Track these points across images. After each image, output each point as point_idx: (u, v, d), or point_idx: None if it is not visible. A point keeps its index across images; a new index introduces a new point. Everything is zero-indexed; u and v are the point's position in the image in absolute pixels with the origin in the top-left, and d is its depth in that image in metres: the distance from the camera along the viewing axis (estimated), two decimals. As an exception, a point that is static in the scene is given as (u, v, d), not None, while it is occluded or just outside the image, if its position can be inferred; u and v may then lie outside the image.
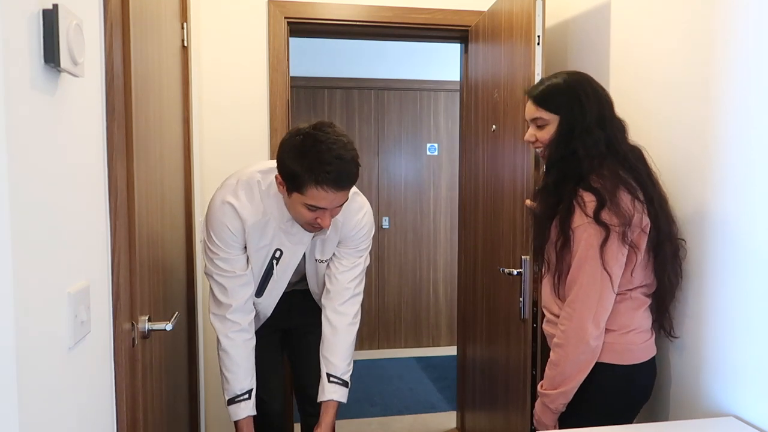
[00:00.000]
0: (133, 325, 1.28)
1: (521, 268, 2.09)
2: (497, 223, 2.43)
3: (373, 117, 4.47)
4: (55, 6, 0.85)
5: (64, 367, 0.94)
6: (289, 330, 2.05)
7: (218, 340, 1.76)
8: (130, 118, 1.24)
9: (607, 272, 1.41)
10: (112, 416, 1.18)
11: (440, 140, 4.59)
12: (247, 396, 1.72)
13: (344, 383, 1.78)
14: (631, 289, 1.51)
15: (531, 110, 1.58)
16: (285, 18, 2.58)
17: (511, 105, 2.25)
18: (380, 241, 4.53)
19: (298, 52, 3.48)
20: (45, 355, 0.87)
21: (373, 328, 4.55)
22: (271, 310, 1.86)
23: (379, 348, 4.57)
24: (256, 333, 1.85)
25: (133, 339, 1.28)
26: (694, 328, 1.54)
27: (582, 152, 1.47)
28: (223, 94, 2.56)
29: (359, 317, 1.85)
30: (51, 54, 0.85)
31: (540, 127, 1.57)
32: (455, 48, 2.99)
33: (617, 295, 1.47)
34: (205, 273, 1.78)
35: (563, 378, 1.47)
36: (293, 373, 2.12)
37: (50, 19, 0.85)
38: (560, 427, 1.54)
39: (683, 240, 1.59)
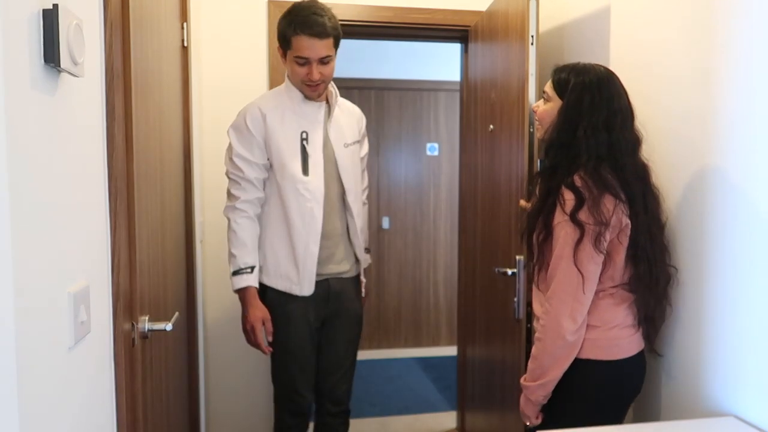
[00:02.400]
0: (133, 325, 1.28)
1: (516, 268, 2.09)
2: (494, 223, 2.43)
3: (373, 117, 4.47)
4: (55, 6, 0.85)
5: (64, 367, 0.94)
6: (322, 322, 2.08)
7: (229, 226, 1.98)
8: (130, 118, 1.24)
9: (580, 271, 1.43)
10: (112, 416, 1.18)
11: (440, 140, 4.59)
12: (249, 270, 1.94)
13: (368, 250, 2.24)
14: (613, 286, 1.52)
15: (548, 82, 1.62)
16: (285, 18, 2.57)
17: (507, 105, 2.25)
18: (380, 241, 4.53)
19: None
20: (45, 355, 0.87)
21: (373, 328, 4.55)
22: (322, 192, 1.96)
23: (379, 348, 4.57)
24: (291, 319, 2.00)
25: (133, 339, 1.29)
26: (694, 327, 1.54)
27: (583, 148, 1.48)
28: (223, 94, 2.56)
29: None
30: (51, 54, 0.85)
31: (544, 100, 1.62)
32: (455, 48, 2.99)
33: (600, 291, 1.50)
34: (225, 174, 2.01)
35: (542, 371, 1.50)
36: (319, 373, 2.13)
37: (50, 19, 0.85)
38: (551, 424, 1.56)
39: (675, 268, 1.60)
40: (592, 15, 2.11)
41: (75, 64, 0.92)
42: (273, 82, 2.58)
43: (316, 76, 1.88)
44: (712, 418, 1.42)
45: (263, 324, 1.96)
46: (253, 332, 1.95)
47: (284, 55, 1.93)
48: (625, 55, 1.90)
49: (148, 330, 1.37)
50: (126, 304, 1.23)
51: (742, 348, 1.38)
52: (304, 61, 1.87)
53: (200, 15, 2.48)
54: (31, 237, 0.81)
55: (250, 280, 1.94)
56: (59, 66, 0.87)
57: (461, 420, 3.10)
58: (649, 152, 1.62)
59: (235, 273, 1.94)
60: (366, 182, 2.25)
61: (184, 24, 2.08)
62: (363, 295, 2.20)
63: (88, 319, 1.02)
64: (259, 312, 1.95)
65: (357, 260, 2.12)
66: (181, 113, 2.03)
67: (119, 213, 1.17)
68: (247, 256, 1.94)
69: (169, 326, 1.42)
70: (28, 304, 0.80)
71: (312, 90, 1.93)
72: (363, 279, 2.20)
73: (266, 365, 2.65)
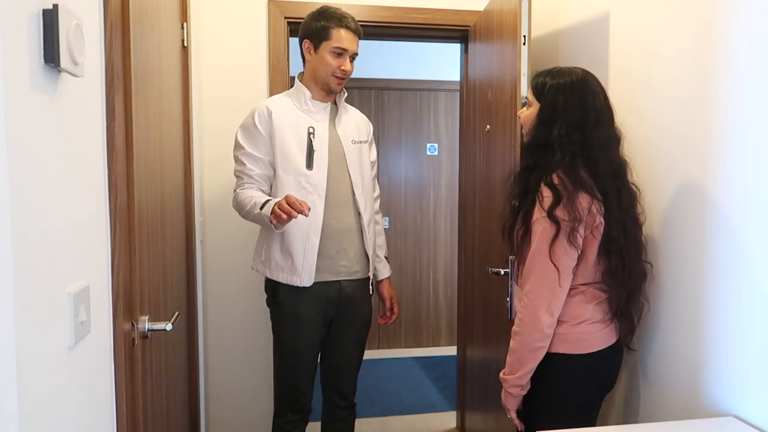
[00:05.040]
0: (133, 325, 1.28)
1: (509, 268, 2.09)
2: (490, 223, 2.43)
3: (373, 117, 4.47)
4: (55, 6, 0.85)
5: (64, 367, 0.94)
6: (330, 322, 2.11)
7: (234, 199, 2.04)
8: (130, 118, 1.24)
9: (556, 266, 1.48)
10: (112, 416, 1.18)
11: (440, 140, 4.59)
12: (270, 200, 1.89)
13: (387, 258, 2.31)
14: (584, 284, 1.57)
15: (528, 88, 1.68)
16: (285, 18, 2.57)
17: (501, 105, 2.25)
18: (380, 241, 4.52)
19: (298, 52, 3.47)
20: (45, 355, 0.87)
21: (373, 329, 4.49)
22: (324, 185, 2.01)
23: (379, 348, 4.57)
24: (301, 319, 2.02)
25: (133, 339, 1.29)
26: (694, 327, 1.54)
27: (557, 146, 1.53)
28: (223, 94, 2.56)
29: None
30: (51, 54, 0.85)
31: (527, 106, 1.68)
32: (455, 48, 2.99)
33: (571, 288, 1.54)
34: (234, 174, 2.07)
35: (520, 364, 1.55)
36: (326, 370, 2.19)
37: (50, 19, 0.85)
38: (527, 419, 1.62)
39: (650, 264, 1.66)
40: (590, 22, 2.11)
41: (75, 64, 0.92)
42: (273, 82, 2.58)
43: (348, 67, 2.04)
44: (712, 418, 1.42)
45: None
46: (289, 202, 1.74)
47: (315, 48, 2.04)
48: (624, 64, 1.90)
49: (148, 330, 1.37)
50: (126, 304, 1.23)
51: (741, 348, 1.38)
52: (342, 52, 2.01)
53: (200, 15, 2.48)
54: (31, 237, 0.81)
55: (276, 199, 1.86)
56: (59, 66, 0.87)
57: (461, 420, 3.10)
58: (631, 155, 1.64)
59: (263, 206, 1.88)
60: (378, 191, 2.29)
61: (184, 24, 2.08)
62: (392, 312, 2.29)
63: (88, 319, 1.02)
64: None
65: (368, 261, 2.13)
66: (181, 113, 2.03)
67: (119, 213, 1.17)
68: (263, 197, 1.93)
69: (169, 326, 1.42)
70: (28, 304, 0.80)
71: (338, 83, 2.05)
72: (389, 294, 2.28)
73: (266, 364, 2.65)
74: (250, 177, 2.01)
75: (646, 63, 1.78)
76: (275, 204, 1.79)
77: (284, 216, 1.73)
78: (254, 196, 1.95)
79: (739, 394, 1.39)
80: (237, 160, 2.04)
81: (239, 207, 2.01)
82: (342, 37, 2.00)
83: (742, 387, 1.38)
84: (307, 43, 2.05)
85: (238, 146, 2.04)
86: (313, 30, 2.03)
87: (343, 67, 2.02)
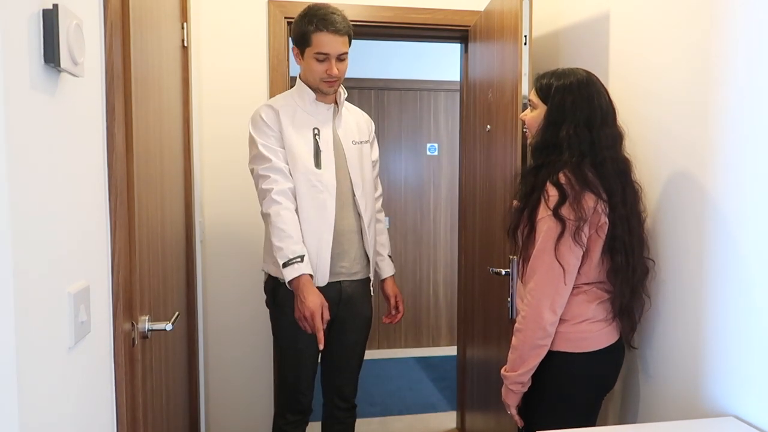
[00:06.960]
0: (133, 325, 1.28)
1: (510, 268, 2.09)
2: (490, 223, 2.44)
3: (373, 117, 4.42)
4: (55, 6, 0.85)
5: (64, 367, 0.94)
6: (331, 323, 2.08)
7: (268, 221, 1.94)
8: (130, 118, 1.24)
9: (561, 264, 1.49)
10: (112, 416, 1.18)
11: (440, 140, 4.59)
12: (299, 259, 1.89)
13: (391, 258, 2.32)
14: (587, 283, 1.57)
15: (531, 90, 1.68)
16: (285, 18, 2.57)
17: (502, 105, 2.25)
18: (380, 241, 4.52)
19: (298, 52, 3.47)
20: (45, 355, 0.87)
21: (372, 329, 4.46)
22: (334, 184, 2.01)
23: (379, 348, 4.57)
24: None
25: (133, 339, 1.29)
26: (693, 325, 1.54)
27: (566, 146, 1.54)
28: (223, 94, 2.56)
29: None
30: (51, 54, 0.85)
31: (531, 108, 1.68)
32: (455, 48, 2.99)
33: (574, 288, 1.55)
34: (252, 175, 2.01)
35: (522, 361, 1.56)
36: (326, 371, 2.19)
37: (50, 19, 0.85)
38: (526, 414, 1.63)
39: (652, 260, 1.67)
40: (590, 21, 2.11)
41: (75, 64, 0.92)
42: (273, 82, 2.58)
43: (335, 71, 1.96)
44: (712, 418, 1.42)
45: (322, 310, 1.85)
46: (313, 318, 1.84)
47: (301, 54, 1.99)
48: (624, 63, 1.90)
49: (148, 330, 1.37)
50: (126, 304, 1.23)
51: (741, 348, 1.38)
52: (324, 57, 1.94)
53: (200, 15, 2.48)
54: (31, 237, 0.81)
55: (303, 269, 1.87)
56: (59, 66, 0.87)
57: (461, 420, 3.10)
58: (632, 152, 1.64)
59: (285, 265, 1.87)
60: (380, 190, 2.28)
61: (184, 24, 2.08)
62: (397, 310, 2.30)
63: (88, 319, 1.02)
64: (318, 298, 1.85)
65: (368, 261, 2.12)
66: (181, 113, 2.03)
67: (119, 213, 1.17)
68: (294, 246, 1.88)
69: (169, 326, 1.42)
70: (28, 304, 0.80)
71: (329, 86, 1.99)
72: (393, 293, 2.29)
73: (266, 365, 2.65)
74: (277, 170, 1.93)
75: (646, 62, 1.78)
76: (309, 308, 1.83)
77: (308, 328, 1.86)
78: (291, 235, 1.88)
79: (739, 394, 1.39)
80: (258, 157, 1.95)
81: (272, 235, 1.91)
82: (323, 41, 1.92)
83: (742, 387, 1.38)
84: (295, 49, 2.01)
85: (255, 145, 1.96)
86: (297, 35, 1.98)
87: (328, 71, 1.95)
